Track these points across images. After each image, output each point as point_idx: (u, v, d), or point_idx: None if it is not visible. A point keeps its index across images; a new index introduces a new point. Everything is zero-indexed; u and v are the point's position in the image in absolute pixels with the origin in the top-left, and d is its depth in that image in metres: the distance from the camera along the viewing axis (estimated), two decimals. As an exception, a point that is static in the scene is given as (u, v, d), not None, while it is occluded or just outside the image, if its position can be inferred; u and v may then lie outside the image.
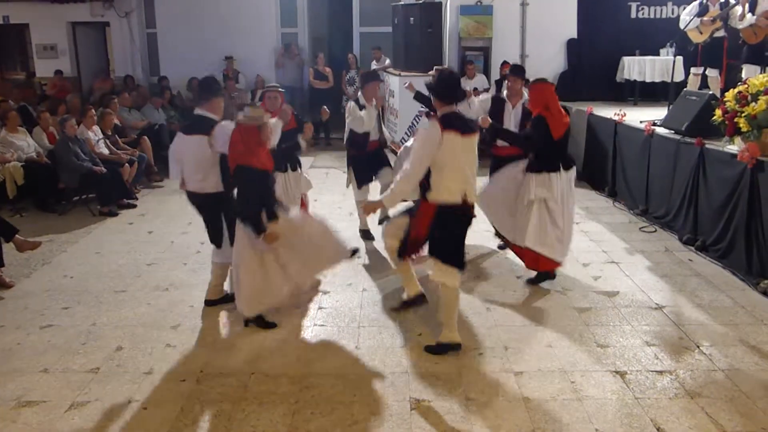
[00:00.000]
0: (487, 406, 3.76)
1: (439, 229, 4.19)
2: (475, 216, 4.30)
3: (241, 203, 4.51)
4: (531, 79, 5.44)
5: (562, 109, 5.27)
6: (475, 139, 4.21)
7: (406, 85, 6.56)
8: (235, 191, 4.64)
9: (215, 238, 5.04)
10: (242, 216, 4.44)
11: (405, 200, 4.67)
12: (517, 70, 6.13)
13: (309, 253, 4.63)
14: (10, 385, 4.00)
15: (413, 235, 4.36)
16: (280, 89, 5.98)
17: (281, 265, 4.53)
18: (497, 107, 6.05)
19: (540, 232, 5.22)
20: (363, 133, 6.36)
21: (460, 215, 4.20)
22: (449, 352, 4.33)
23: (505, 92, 6.16)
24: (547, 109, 5.11)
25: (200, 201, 4.97)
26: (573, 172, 5.37)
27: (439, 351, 4.34)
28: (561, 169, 5.23)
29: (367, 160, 6.50)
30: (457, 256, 4.25)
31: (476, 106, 6.13)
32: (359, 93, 6.48)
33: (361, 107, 6.31)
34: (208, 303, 5.18)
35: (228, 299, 5.13)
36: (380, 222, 6.74)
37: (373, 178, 6.59)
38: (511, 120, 5.96)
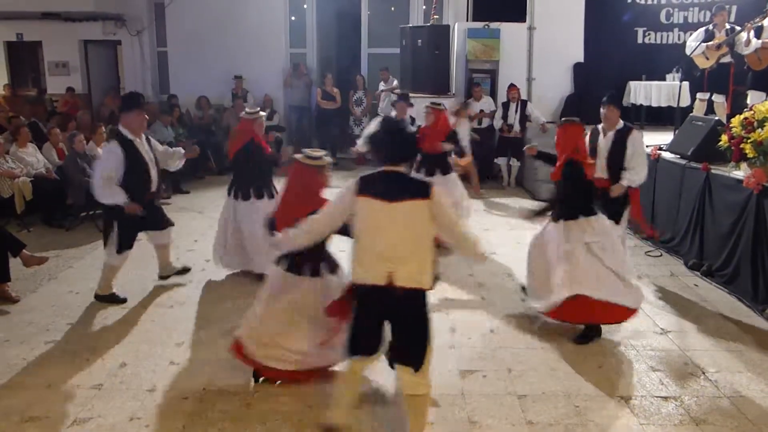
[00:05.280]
0: (491, 429, 3.74)
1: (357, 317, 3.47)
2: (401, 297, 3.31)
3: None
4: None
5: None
6: (412, 206, 3.26)
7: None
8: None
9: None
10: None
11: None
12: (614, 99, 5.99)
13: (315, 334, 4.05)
14: (13, 400, 4.01)
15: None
16: (261, 114, 6.00)
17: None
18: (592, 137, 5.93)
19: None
20: None
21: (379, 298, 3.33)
22: None
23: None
24: (577, 151, 4.94)
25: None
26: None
27: None
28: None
29: None
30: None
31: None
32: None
33: None
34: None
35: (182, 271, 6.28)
36: None
37: None
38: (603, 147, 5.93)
